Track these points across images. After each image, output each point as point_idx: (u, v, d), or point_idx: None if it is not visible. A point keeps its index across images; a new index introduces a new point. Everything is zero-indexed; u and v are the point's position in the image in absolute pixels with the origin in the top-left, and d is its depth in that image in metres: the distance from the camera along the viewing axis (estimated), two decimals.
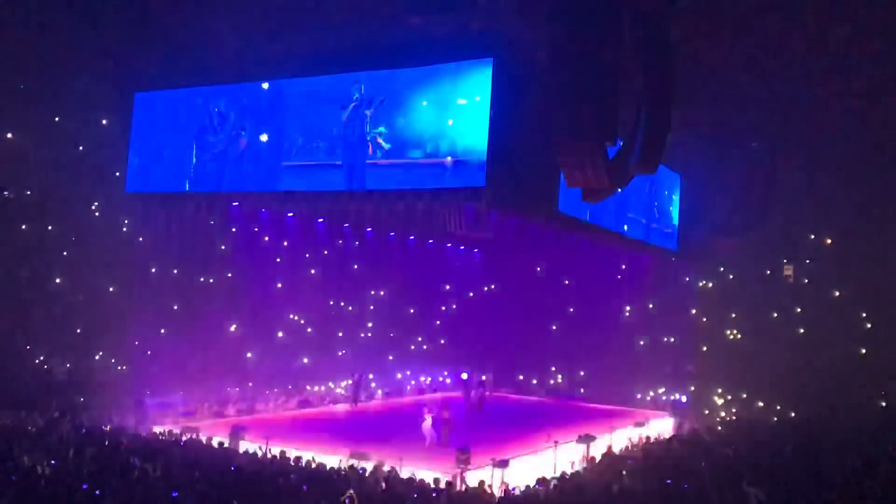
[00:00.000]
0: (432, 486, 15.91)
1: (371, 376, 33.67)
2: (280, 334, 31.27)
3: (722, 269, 34.12)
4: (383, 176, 20.67)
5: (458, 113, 19.95)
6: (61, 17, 25.17)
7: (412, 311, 36.79)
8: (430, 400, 24.31)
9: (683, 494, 15.64)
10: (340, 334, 34.14)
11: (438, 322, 38.50)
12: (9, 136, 26.51)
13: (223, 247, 29.38)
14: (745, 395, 31.92)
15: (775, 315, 32.86)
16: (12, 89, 26.25)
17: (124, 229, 28.18)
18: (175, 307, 28.52)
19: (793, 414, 29.53)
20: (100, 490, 13.73)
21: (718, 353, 33.34)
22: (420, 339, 37.84)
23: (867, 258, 30.74)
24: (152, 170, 25.28)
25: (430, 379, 37.84)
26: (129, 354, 27.19)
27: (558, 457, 20.90)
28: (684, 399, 34.10)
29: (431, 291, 37.75)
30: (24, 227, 26.77)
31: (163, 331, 27.46)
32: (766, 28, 21.14)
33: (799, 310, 32.73)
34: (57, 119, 27.39)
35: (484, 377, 31.23)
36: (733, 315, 33.91)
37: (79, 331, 27.29)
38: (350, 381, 31.43)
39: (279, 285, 31.40)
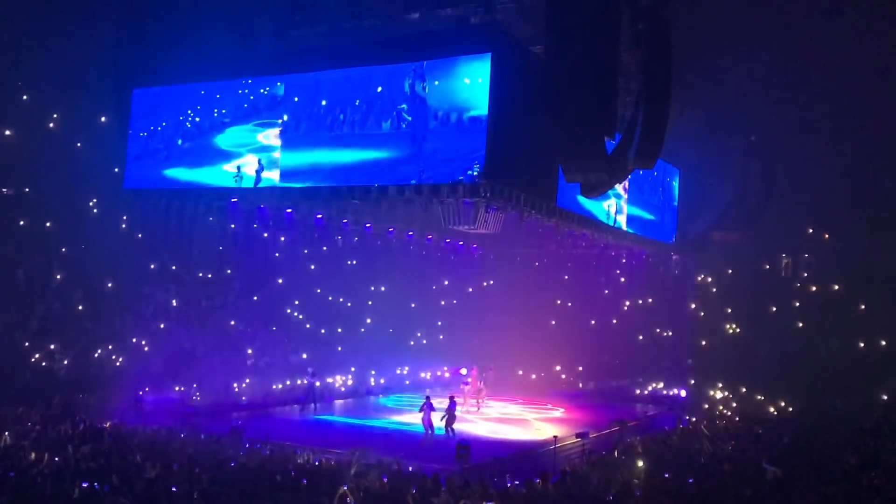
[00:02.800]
0: (432, 481, 15.89)
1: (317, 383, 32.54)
2: (277, 329, 31.22)
3: (721, 262, 34.11)
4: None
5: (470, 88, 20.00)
6: (59, 15, 25.15)
7: (412, 306, 36.77)
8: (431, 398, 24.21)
9: (683, 488, 15.64)
10: (340, 330, 34.14)
11: (437, 317, 38.47)
12: (7, 133, 26.46)
13: (222, 242, 29.34)
14: (744, 389, 31.94)
15: (774, 309, 32.87)
16: (11, 87, 26.22)
17: (123, 226, 28.17)
18: (174, 303, 28.49)
19: (790, 409, 29.56)
20: (99, 487, 13.71)
21: (717, 347, 33.36)
22: (419, 334, 37.82)
23: (865, 252, 30.76)
24: (150, 166, 25.23)
25: (429, 374, 37.85)
26: (128, 350, 27.18)
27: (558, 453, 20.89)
28: (683, 394, 34.13)
29: (430, 287, 37.72)
30: (22, 223, 26.74)
31: (162, 326, 27.42)
32: (765, 22, 21.15)
33: (797, 303, 32.73)
34: (55, 116, 27.36)
35: (484, 375, 31.11)
36: (730, 310, 33.94)
37: (78, 327, 27.28)
38: (307, 381, 29.40)
39: (278, 281, 31.37)
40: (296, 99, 22.66)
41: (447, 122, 20.09)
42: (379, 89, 21.20)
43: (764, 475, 16.58)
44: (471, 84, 19.75)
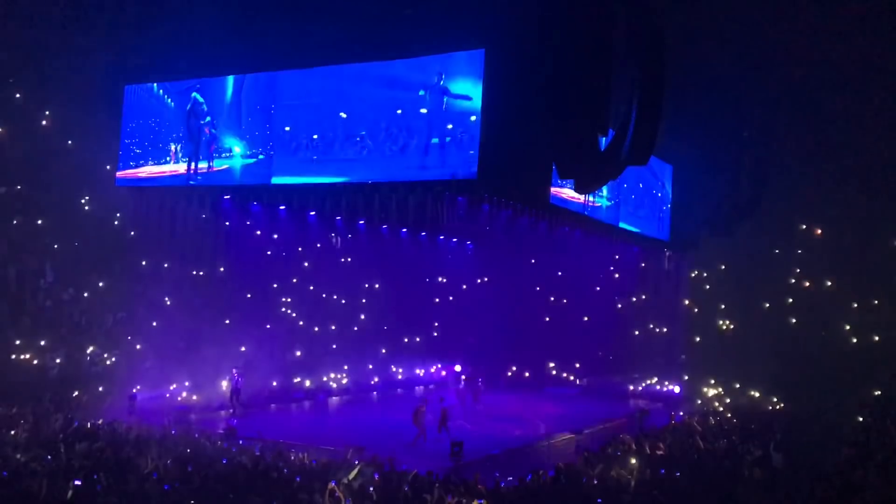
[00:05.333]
0: (426, 478, 15.88)
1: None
2: (271, 327, 31.18)
3: (714, 259, 34.17)
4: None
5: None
6: (50, 12, 25.02)
7: (405, 303, 36.77)
8: (426, 392, 24.25)
9: (676, 484, 15.67)
10: (333, 327, 34.10)
11: (431, 315, 38.46)
12: None
13: (215, 240, 29.26)
14: (737, 386, 32.02)
15: (767, 305, 32.94)
16: (3, 85, 26.12)
17: (115, 223, 28.07)
18: (166, 300, 28.41)
19: (784, 404, 29.62)
20: (92, 485, 13.67)
21: (711, 343, 33.43)
22: (413, 331, 37.81)
23: (858, 248, 30.81)
24: (143, 163, 25.09)
25: (423, 371, 37.85)
26: (120, 348, 27.10)
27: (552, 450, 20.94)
28: (677, 390, 34.20)
29: (424, 284, 37.71)
30: (14, 221, 26.65)
31: (154, 324, 27.37)
32: (759, 19, 21.17)
33: (791, 300, 32.80)
34: (47, 113, 27.25)
35: (480, 380, 31.08)
36: (723, 306, 34.01)
37: (70, 325, 27.19)
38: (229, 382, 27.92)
39: (271, 278, 31.31)
40: (287, 128, 22.44)
41: (447, 134, 19.83)
42: (369, 114, 20.90)
43: (768, 464, 16.69)
44: (469, 87, 19.60)
